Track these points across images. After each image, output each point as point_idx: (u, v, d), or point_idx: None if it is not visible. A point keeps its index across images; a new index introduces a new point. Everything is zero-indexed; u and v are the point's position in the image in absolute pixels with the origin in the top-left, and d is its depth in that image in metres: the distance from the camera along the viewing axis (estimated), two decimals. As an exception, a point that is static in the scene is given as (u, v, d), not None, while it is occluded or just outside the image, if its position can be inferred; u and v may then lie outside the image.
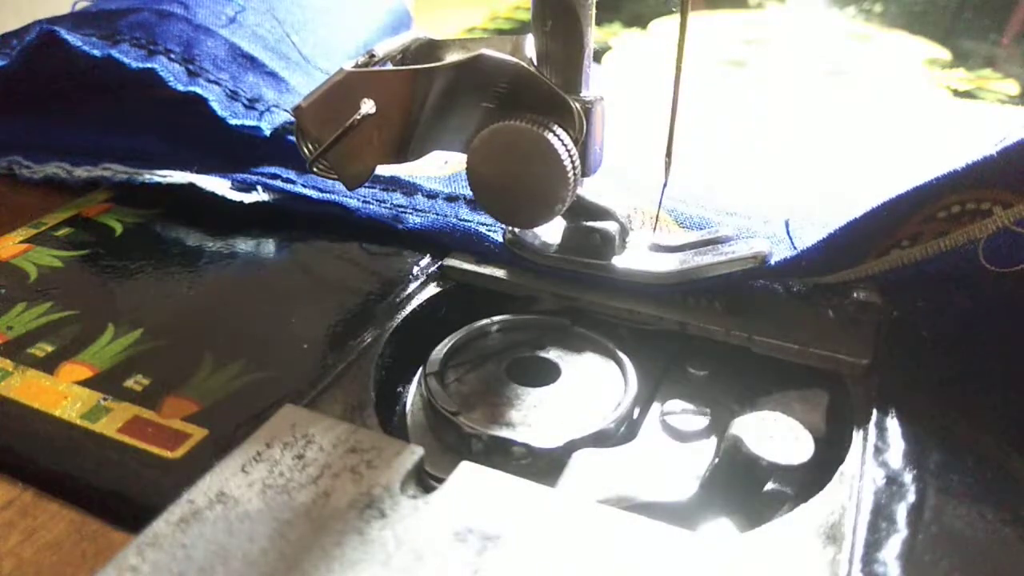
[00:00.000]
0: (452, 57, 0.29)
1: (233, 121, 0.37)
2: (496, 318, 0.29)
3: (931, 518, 0.21)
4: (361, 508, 0.20)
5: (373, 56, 0.29)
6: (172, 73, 0.37)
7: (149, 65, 0.36)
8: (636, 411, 0.26)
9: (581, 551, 0.19)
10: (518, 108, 0.27)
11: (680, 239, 0.30)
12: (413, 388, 0.28)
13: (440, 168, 0.37)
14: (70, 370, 0.27)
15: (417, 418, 0.26)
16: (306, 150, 0.29)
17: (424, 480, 0.22)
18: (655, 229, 0.30)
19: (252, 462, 0.21)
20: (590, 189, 0.29)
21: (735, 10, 0.71)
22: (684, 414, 0.26)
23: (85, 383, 0.26)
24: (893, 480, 0.22)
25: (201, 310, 0.30)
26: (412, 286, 0.31)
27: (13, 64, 0.38)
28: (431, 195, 0.35)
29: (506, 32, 0.67)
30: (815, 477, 0.23)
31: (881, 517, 0.21)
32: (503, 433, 0.24)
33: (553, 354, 0.28)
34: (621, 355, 0.28)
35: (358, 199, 0.35)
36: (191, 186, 0.36)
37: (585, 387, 0.27)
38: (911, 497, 0.21)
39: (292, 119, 0.36)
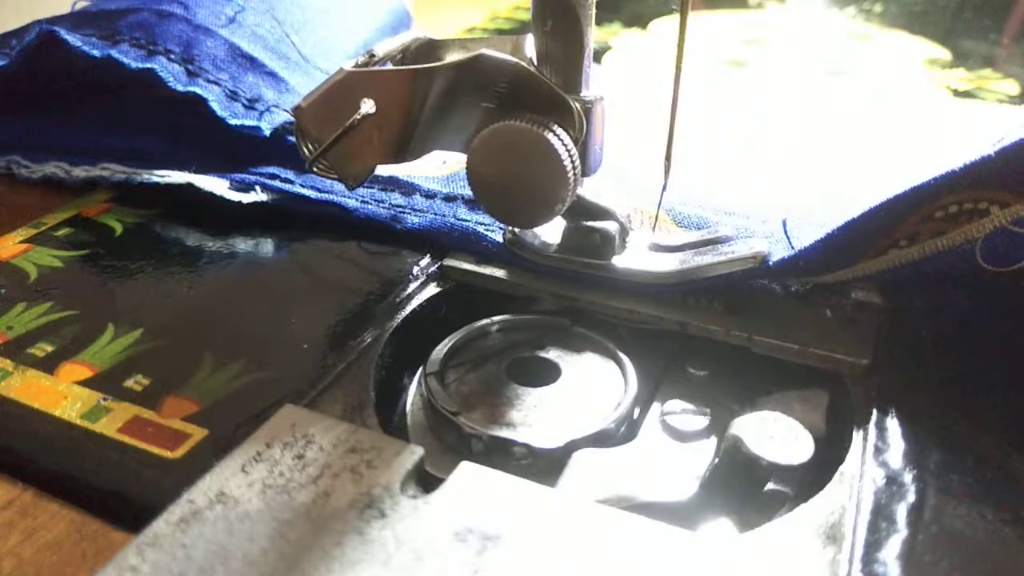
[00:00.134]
0: (452, 57, 0.29)
1: (233, 121, 0.37)
2: (496, 318, 0.29)
3: (931, 518, 0.21)
4: (361, 508, 0.20)
5: (373, 56, 0.29)
6: (172, 73, 0.37)
7: (149, 65, 0.36)
8: (636, 411, 0.26)
9: (581, 551, 0.19)
10: (518, 108, 0.27)
11: (680, 239, 0.30)
12: (413, 388, 0.28)
13: (438, 168, 0.37)
14: (70, 370, 0.27)
15: (417, 418, 0.26)
16: (306, 150, 0.29)
17: (424, 480, 0.22)
18: (654, 229, 0.30)
19: (252, 462, 0.21)
20: (590, 189, 0.29)
21: (735, 10, 0.71)
22: (684, 414, 0.26)
23: (85, 383, 0.26)
24: (893, 480, 0.22)
25: (201, 310, 0.30)
26: (412, 286, 0.31)
27: (13, 64, 0.38)
28: (429, 195, 0.35)
29: (506, 32, 0.67)
30: (815, 477, 0.23)
31: (881, 517, 0.21)
32: (503, 433, 0.24)
33: (553, 354, 0.28)
34: (621, 355, 0.28)
35: (356, 199, 0.35)
36: (189, 186, 0.36)
37: (585, 387, 0.27)
38: (911, 497, 0.21)
39: (292, 119, 0.36)
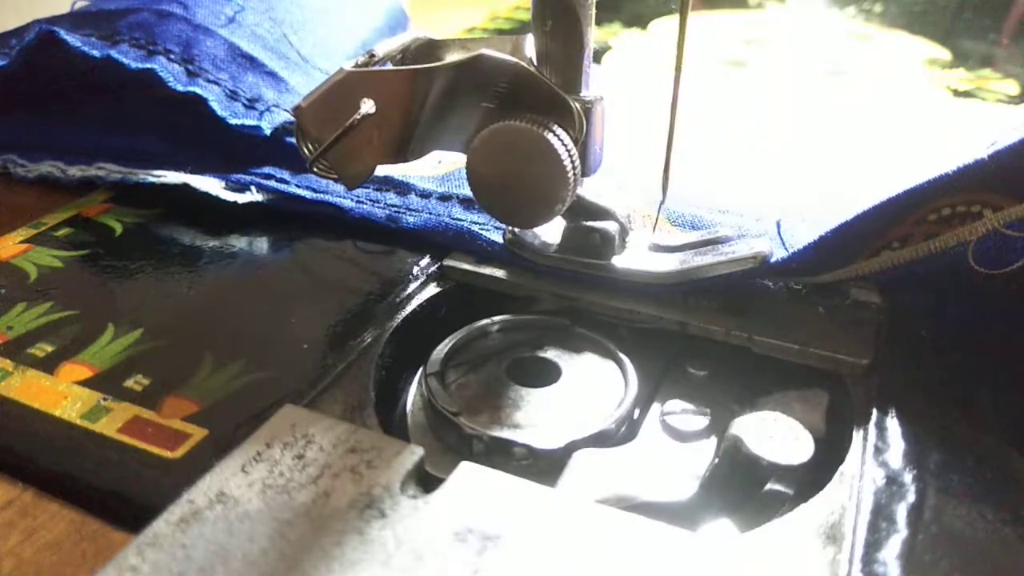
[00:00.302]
0: (452, 57, 0.29)
1: (233, 121, 0.37)
2: (496, 318, 0.29)
3: (931, 518, 0.21)
4: (361, 508, 0.20)
5: (373, 56, 0.29)
6: (171, 73, 0.37)
7: (148, 65, 0.36)
8: (636, 411, 0.26)
9: (581, 551, 0.19)
10: (518, 108, 0.27)
11: (680, 239, 0.30)
12: (413, 388, 0.28)
13: (433, 167, 0.37)
14: (70, 370, 0.27)
15: (417, 418, 0.26)
16: (306, 150, 0.29)
17: (424, 480, 0.22)
18: (655, 230, 0.30)
19: (252, 462, 0.21)
20: (590, 189, 0.29)
21: (735, 10, 0.71)
22: (684, 414, 0.26)
23: (85, 383, 0.26)
24: (893, 480, 0.22)
25: (201, 310, 0.30)
26: (412, 286, 0.31)
27: (12, 64, 0.38)
28: (424, 194, 0.35)
29: (506, 32, 0.67)
30: (815, 477, 0.23)
31: (881, 517, 0.21)
32: (504, 433, 0.24)
33: (553, 354, 0.28)
34: (621, 355, 0.28)
35: (351, 199, 0.35)
36: (185, 186, 0.36)
37: (585, 387, 0.27)
38: (911, 497, 0.21)
39: (292, 119, 0.36)
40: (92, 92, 0.39)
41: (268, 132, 0.38)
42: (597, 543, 0.19)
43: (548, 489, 0.21)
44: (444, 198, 0.35)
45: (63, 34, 0.36)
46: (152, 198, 0.37)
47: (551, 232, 0.31)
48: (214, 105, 0.37)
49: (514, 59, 0.26)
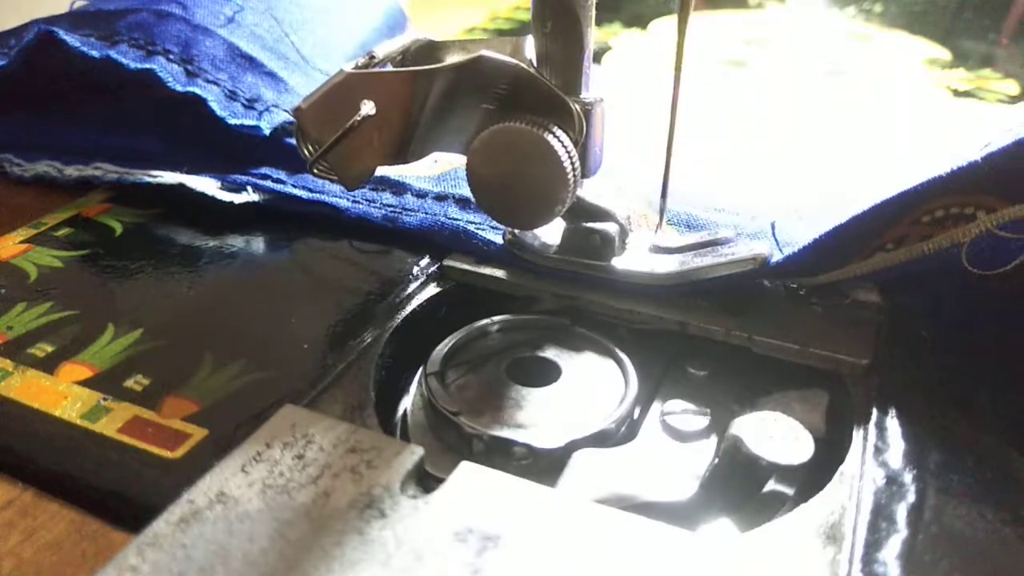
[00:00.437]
0: (452, 58, 0.29)
1: (232, 121, 0.37)
2: (496, 318, 0.29)
3: (931, 518, 0.21)
4: (361, 508, 0.20)
5: (373, 57, 0.29)
6: (171, 73, 0.37)
7: (148, 66, 0.36)
8: (636, 411, 0.26)
9: (581, 551, 0.19)
10: (518, 109, 0.27)
11: (680, 241, 0.30)
12: (413, 388, 0.28)
13: (429, 167, 0.37)
14: (70, 370, 0.27)
15: (417, 418, 0.26)
16: (306, 151, 0.29)
17: (424, 480, 0.22)
18: (657, 231, 0.30)
19: (252, 462, 0.21)
20: (590, 190, 0.29)
21: (735, 10, 0.71)
22: (684, 414, 0.26)
23: (85, 383, 0.26)
24: (893, 480, 0.22)
25: (201, 310, 0.30)
26: (412, 286, 0.31)
27: (11, 64, 0.38)
28: (420, 194, 0.35)
29: (506, 32, 0.67)
30: (815, 477, 0.23)
31: (881, 517, 0.21)
32: (504, 433, 0.24)
33: (553, 354, 0.28)
34: (621, 355, 0.28)
35: (347, 199, 0.35)
36: (181, 186, 0.36)
37: (585, 387, 0.27)
38: (911, 497, 0.21)
39: (291, 119, 0.36)
40: (90, 92, 0.39)
41: (267, 132, 0.38)
42: (597, 543, 0.19)
43: (548, 489, 0.21)
44: (440, 198, 0.35)
45: (62, 34, 0.36)
46: (152, 198, 0.37)
47: (551, 233, 0.31)
48: (213, 105, 0.37)
49: (514, 61, 0.26)
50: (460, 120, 0.28)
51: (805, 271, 0.28)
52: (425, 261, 0.32)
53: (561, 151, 0.26)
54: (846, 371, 0.26)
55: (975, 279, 0.25)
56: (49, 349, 0.28)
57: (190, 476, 0.21)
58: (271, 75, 0.40)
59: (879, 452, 0.23)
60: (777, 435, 0.23)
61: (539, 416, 0.25)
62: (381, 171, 0.36)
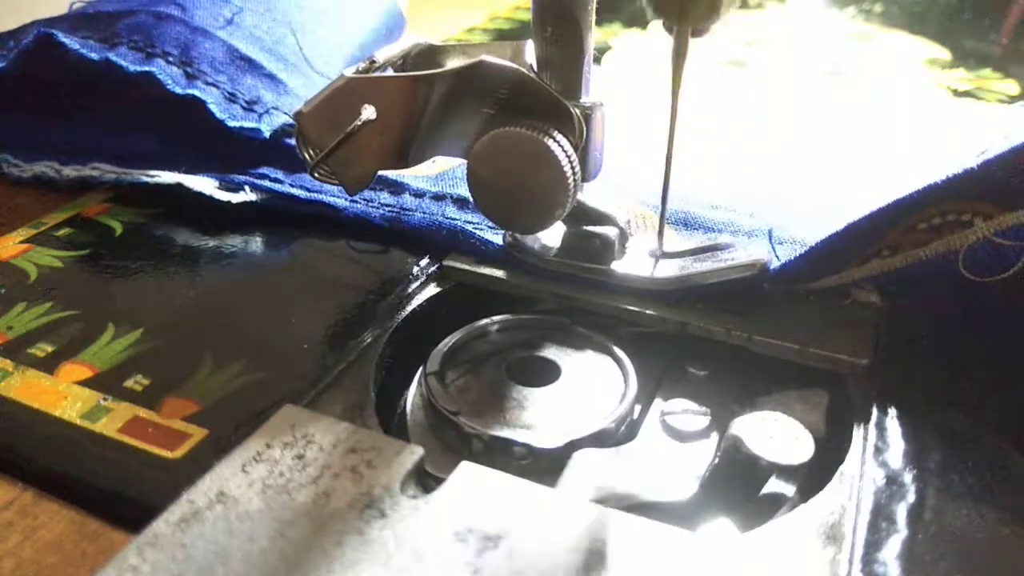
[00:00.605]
0: (453, 63, 0.29)
1: (232, 123, 0.37)
2: (496, 318, 0.29)
3: (931, 518, 0.21)
4: (361, 508, 0.20)
5: (374, 62, 0.29)
6: (170, 76, 0.37)
7: (147, 68, 0.36)
8: (636, 411, 0.26)
9: (581, 551, 0.19)
10: (518, 114, 0.27)
11: (680, 245, 0.30)
12: (413, 388, 0.28)
13: (427, 167, 0.37)
14: (70, 370, 0.27)
15: (417, 418, 0.26)
16: (307, 155, 0.29)
17: (424, 480, 0.22)
18: (661, 236, 0.30)
19: (252, 462, 0.21)
20: (590, 193, 0.29)
21: (735, 10, 0.71)
22: (684, 414, 0.26)
23: (85, 383, 0.26)
24: (893, 480, 0.22)
25: (201, 310, 0.30)
26: (412, 286, 0.31)
27: (10, 66, 0.38)
28: (418, 194, 0.35)
29: (506, 32, 0.67)
30: (815, 477, 0.23)
31: (881, 517, 0.21)
32: (503, 433, 0.24)
33: (553, 354, 0.28)
34: (621, 355, 0.28)
35: (345, 198, 0.35)
36: (179, 186, 0.36)
37: (585, 387, 0.27)
38: (911, 497, 0.21)
39: (291, 121, 0.36)
40: (89, 93, 0.39)
41: (267, 134, 0.38)
42: (597, 543, 0.19)
43: (548, 489, 0.21)
44: (438, 198, 0.35)
45: (61, 37, 0.36)
46: (152, 198, 0.37)
47: (551, 236, 0.31)
48: (213, 107, 0.37)
49: (514, 65, 0.26)
50: (461, 125, 0.28)
51: (802, 277, 0.28)
52: (425, 261, 0.32)
53: (561, 156, 0.26)
54: (846, 371, 0.26)
55: (974, 285, 0.25)
56: (49, 349, 0.28)
57: (190, 476, 0.21)
58: (270, 77, 0.40)
59: (879, 452, 0.23)
60: (777, 435, 0.23)
61: (539, 416, 0.25)
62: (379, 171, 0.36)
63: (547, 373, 0.27)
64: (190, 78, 0.37)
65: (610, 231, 0.29)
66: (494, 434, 0.24)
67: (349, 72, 0.28)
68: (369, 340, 0.28)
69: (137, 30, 0.38)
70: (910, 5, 0.72)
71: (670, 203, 0.29)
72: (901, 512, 0.21)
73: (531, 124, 0.26)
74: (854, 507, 0.21)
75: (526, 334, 0.29)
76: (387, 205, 0.35)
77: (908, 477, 0.22)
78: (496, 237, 0.31)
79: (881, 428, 0.24)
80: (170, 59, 0.38)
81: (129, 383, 0.26)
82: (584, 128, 0.27)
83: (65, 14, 0.41)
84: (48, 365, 0.27)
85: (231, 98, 0.38)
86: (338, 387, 0.26)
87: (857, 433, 0.24)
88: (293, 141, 0.30)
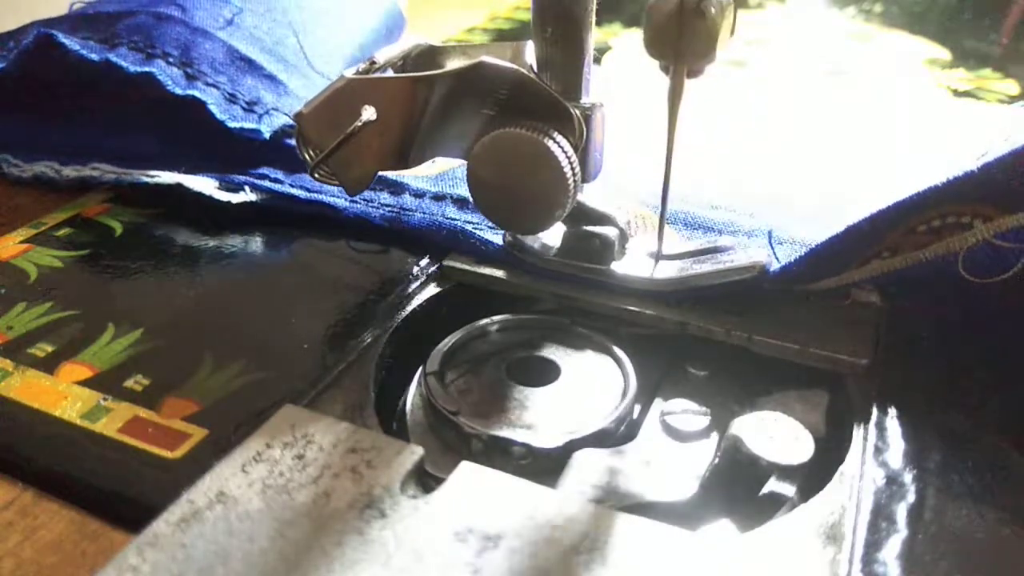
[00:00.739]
0: (453, 64, 0.29)
1: (232, 124, 0.37)
2: (496, 318, 0.29)
3: (931, 518, 0.21)
4: (361, 508, 0.20)
5: (374, 63, 0.29)
6: (170, 77, 0.37)
7: (147, 69, 0.36)
8: (636, 411, 0.26)
9: (581, 551, 0.19)
10: (518, 115, 0.27)
11: (679, 247, 0.30)
12: (413, 388, 0.28)
13: (427, 167, 0.37)
14: (70, 370, 0.27)
15: (417, 418, 0.26)
16: (307, 156, 0.29)
17: (424, 480, 0.22)
18: (661, 239, 0.30)
19: (252, 462, 0.21)
20: (590, 193, 0.29)
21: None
22: (684, 414, 0.26)
23: (85, 383, 0.26)
24: (893, 480, 0.22)
25: (201, 310, 0.30)
26: (412, 286, 0.31)
27: (10, 67, 0.38)
28: (418, 194, 0.35)
29: (506, 32, 0.67)
30: (815, 477, 0.23)
31: (881, 517, 0.21)
32: (503, 433, 0.24)
33: (553, 354, 0.28)
34: (621, 355, 0.28)
35: (345, 199, 0.35)
36: (179, 186, 0.36)
37: (585, 387, 0.27)
38: (911, 497, 0.21)
39: (291, 122, 0.36)
40: (89, 93, 0.39)
41: (267, 135, 0.38)
42: (597, 543, 0.19)
43: (548, 489, 0.21)
44: (438, 198, 0.35)
45: (61, 37, 0.36)
46: (152, 198, 0.37)
47: (551, 236, 0.31)
48: (213, 108, 0.37)
49: (514, 66, 0.26)
50: (461, 125, 0.28)
51: (802, 279, 0.28)
52: (425, 261, 0.32)
53: (561, 156, 0.26)
54: (846, 371, 0.26)
55: (974, 287, 0.25)
56: (49, 349, 0.28)
57: (190, 476, 0.21)
58: (271, 78, 0.40)
59: (879, 452, 0.23)
60: (777, 435, 0.23)
61: (539, 416, 0.25)
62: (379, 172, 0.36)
63: (547, 373, 0.27)
64: (190, 79, 0.37)
65: (610, 231, 0.29)
66: (494, 434, 0.24)
67: (349, 73, 0.28)
68: (369, 340, 0.28)
69: (137, 31, 0.38)
70: (910, 5, 0.72)
71: (673, 205, 0.29)
72: (901, 512, 0.21)
73: (531, 125, 0.26)
74: (854, 507, 0.21)
75: (526, 334, 0.29)
76: (387, 205, 0.35)
77: (908, 477, 0.22)
78: (496, 237, 0.31)
79: (881, 428, 0.24)
80: (170, 60, 0.38)
81: (129, 383, 0.26)
82: (584, 128, 0.27)
83: (65, 15, 0.41)
84: (48, 365, 0.27)
85: (231, 99, 0.38)
86: (338, 387, 0.26)
87: (857, 433, 0.24)
88: (293, 142, 0.30)
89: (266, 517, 0.20)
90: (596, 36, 0.27)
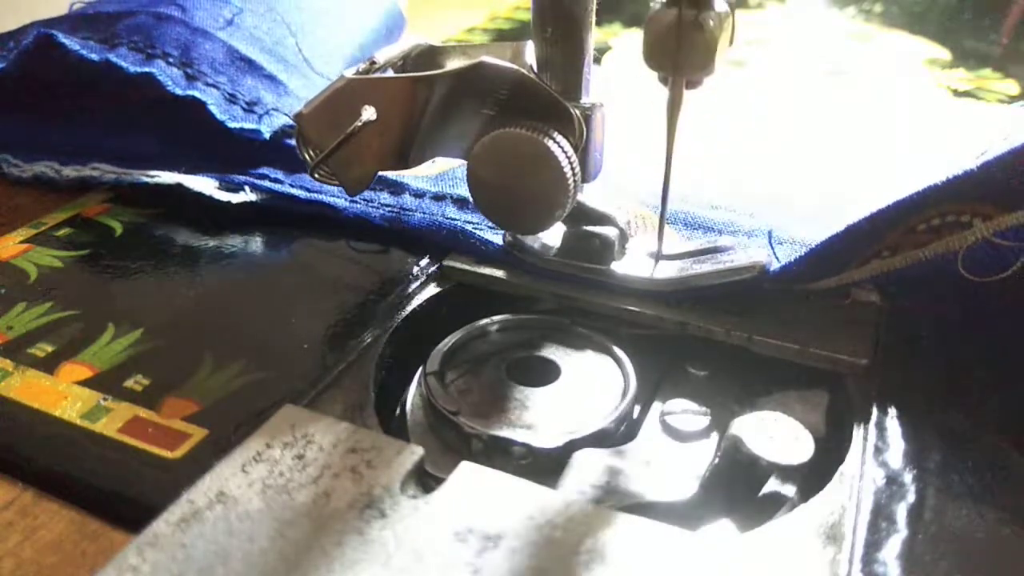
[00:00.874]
0: (453, 64, 0.29)
1: (232, 124, 0.37)
2: (496, 318, 0.29)
3: (931, 518, 0.21)
4: (361, 508, 0.20)
5: (374, 63, 0.29)
6: (171, 77, 0.37)
7: (147, 69, 0.36)
8: (636, 411, 0.26)
9: (581, 551, 0.19)
10: (518, 115, 0.27)
11: (679, 247, 0.30)
12: (413, 388, 0.28)
13: (427, 167, 0.37)
14: (70, 370, 0.27)
15: (417, 418, 0.26)
16: (307, 156, 0.29)
17: (424, 480, 0.22)
18: (661, 239, 0.30)
19: (252, 462, 0.21)
20: (590, 193, 0.29)
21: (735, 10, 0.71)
22: (684, 414, 0.26)
23: (85, 383, 0.26)
24: (893, 480, 0.22)
25: (201, 310, 0.30)
26: (412, 286, 0.31)
27: (10, 67, 0.38)
28: (418, 194, 0.35)
29: (506, 32, 0.67)
30: (815, 477, 0.23)
31: (881, 517, 0.21)
32: (503, 433, 0.24)
33: (553, 354, 0.28)
34: (621, 355, 0.28)
35: (345, 199, 0.35)
36: (179, 186, 0.36)
37: (585, 387, 0.27)
38: (911, 497, 0.21)
39: (291, 122, 0.36)
40: (89, 93, 0.39)
41: (268, 136, 0.38)
42: (597, 543, 0.19)
43: (548, 489, 0.21)
44: (438, 198, 0.35)
45: (61, 38, 0.36)
46: (152, 198, 0.37)
47: (551, 236, 0.31)
48: (213, 109, 0.37)
49: (514, 66, 0.26)
50: (461, 125, 0.28)
51: (802, 279, 0.28)
52: (425, 261, 0.32)
53: (561, 156, 0.26)
54: (846, 371, 0.26)
55: (973, 285, 0.25)
56: (49, 349, 0.28)
57: (190, 476, 0.21)
58: (271, 78, 0.40)
59: (879, 452, 0.23)
60: (777, 435, 0.23)
61: (539, 416, 0.25)
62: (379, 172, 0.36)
63: (547, 373, 0.27)
64: (190, 79, 0.37)
65: (610, 231, 0.29)
66: (494, 434, 0.24)
67: (349, 73, 0.28)
68: (369, 340, 0.28)
69: (137, 31, 0.38)
70: (910, 5, 0.72)
71: (673, 205, 0.29)
72: (901, 512, 0.21)
73: (531, 125, 0.26)
74: (854, 507, 0.21)
75: (526, 334, 0.29)
76: (387, 205, 0.35)
77: (908, 477, 0.22)
78: (496, 237, 0.31)
79: (881, 428, 0.24)
80: (170, 60, 0.38)
81: (129, 383, 0.26)
82: (584, 129, 0.27)
83: (65, 15, 0.41)
84: (48, 365, 0.27)
85: (231, 99, 0.38)
86: (338, 387, 0.26)
87: (857, 433, 0.24)
88: (293, 142, 0.30)
89: (266, 517, 0.20)
90: (596, 36, 0.27)
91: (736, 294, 0.28)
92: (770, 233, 0.31)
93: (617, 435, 0.25)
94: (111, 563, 0.18)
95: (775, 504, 0.24)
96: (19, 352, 0.28)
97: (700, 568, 0.19)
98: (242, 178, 0.37)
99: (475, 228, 0.32)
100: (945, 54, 0.59)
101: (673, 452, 0.25)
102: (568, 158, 0.26)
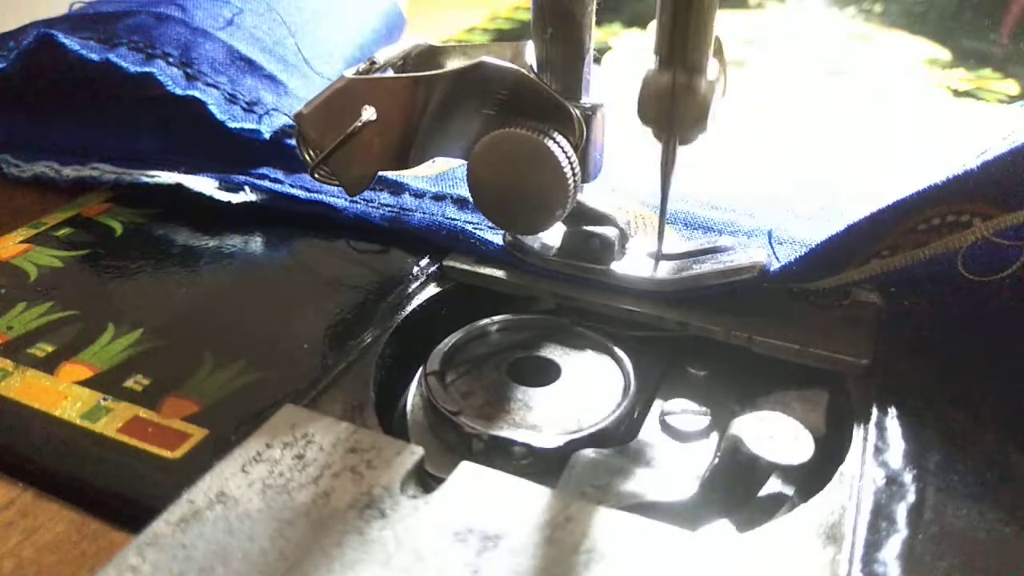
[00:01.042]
0: (453, 64, 0.30)
1: (232, 124, 0.37)
2: (496, 318, 0.29)
3: (931, 518, 0.21)
4: (361, 508, 0.20)
5: (374, 63, 0.29)
6: (171, 77, 0.37)
7: (147, 69, 0.36)
8: (636, 411, 0.26)
9: (581, 551, 0.19)
10: (518, 115, 0.27)
11: (679, 247, 0.30)
12: (413, 388, 0.28)
13: (427, 167, 0.37)
14: (70, 370, 0.27)
15: (417, 418, 0.26)
16: (307, 156, 0.29)
17: (424, 480, 0.22)
18: (661, 239, 0.30)
19: (252, 462, 0.21)
20: (590, 194, 0.29)
21: (735, 10, 0.71)
22: (684, 414, 0.26)
23: (85, 383, 0.26)
24: (893, 480, 0.22)
25: (201, 310, 0.30)
26: (412, 286, 0.31)
27: (10, 67, 0.38)
28: (418, 194, 0.35)
29: (506, 32, 0.67)
30: (815, 477, 0.23)
31: (881, 517, 0.21)
32: (503, 433, 0.24)
33: (553, 354, 0.28)
34: (621, 355, 0.28)
35: (345, 199, 0.35)
36: (179, 186, 0.36)
37: (585, 387, 0.27)
38: (911, 497, 0.21)
39: (291, 122, 0.36)
40: (89, 93, 0.39)
41: (267, 136, 0.38)
42: (597, 543, 0.19)
43: (548, 489, 0.21)
44: (438, 198, 0.35)
45: (61, 37, 0.36)
46: (152, 198, 0.37)
47: (551, 236, 0.31)
48: (213, 109, 0.37)
49: (515, 66, 0.26)
50: (461, 125, 0.28)
51: (802, 279, 0.28)
52: (425, 261, 0.32)
53: (561, 157, 0.26)
54: (846, 371, 0.26)
55: (974, 284, 0.25)
56: (49, 349, 0.28)
57: (190, 476, 0.21)
58: (270, 78, 0.40)
59: (879, 452, 0.23)
60: (777, 435, 0.23)
61: (539, 416, 0.25)
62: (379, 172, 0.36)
63: (547, 373, 0.27)
64: (190, 79, 0.37)
65: (610, 231, 0.29)
66: (494, 434, 0.24)
67: (349, 73, 0.28)
68: (369, 340, 0.28)
69: (137, 31, 0.38)
70: (910, 5, 0.72)
71: (673, 204, 0.29)
72: (901, 512, 0.21)
73: (531, 125, 0.26)
74: (854, 507, 0.21)
75: (526, 334, 0.29)
76: (387, 205, 0.35)
77: (908, 477, 0.22)
78: (496, 237, 0.31)
79: (881, 428, 0.24)
80: (170, 60, 0.38)
81: (129, 383, 0.26)
82: (584, 129, 0.27)
83: (65, 14, 0.41)
84: (48, 365, 0.27)
85: (231, 99, 0.38)
86: (338, 387, 0.26)
87: (857, 433, 0.24)
88: (293, 142, 0.30)
89: (266, 517, 0.20)
90: (596, 36, 0.27)
91: (736, 294, 0.28)
92: (770, 233, 0.31)
93: (617, 435, 0.25)
94: (111, 563, 0.18)
95: (775, 504, 0.24)
96: (19, 352, 0.28)
97: (700, 568, 0.19)
98: (242, 178, 0.37)
99: (475, 228, 0.32)
100: (945, 54, 0.59)
101: (673, 452, 0.25)
102: (568, 158, 0.26)
